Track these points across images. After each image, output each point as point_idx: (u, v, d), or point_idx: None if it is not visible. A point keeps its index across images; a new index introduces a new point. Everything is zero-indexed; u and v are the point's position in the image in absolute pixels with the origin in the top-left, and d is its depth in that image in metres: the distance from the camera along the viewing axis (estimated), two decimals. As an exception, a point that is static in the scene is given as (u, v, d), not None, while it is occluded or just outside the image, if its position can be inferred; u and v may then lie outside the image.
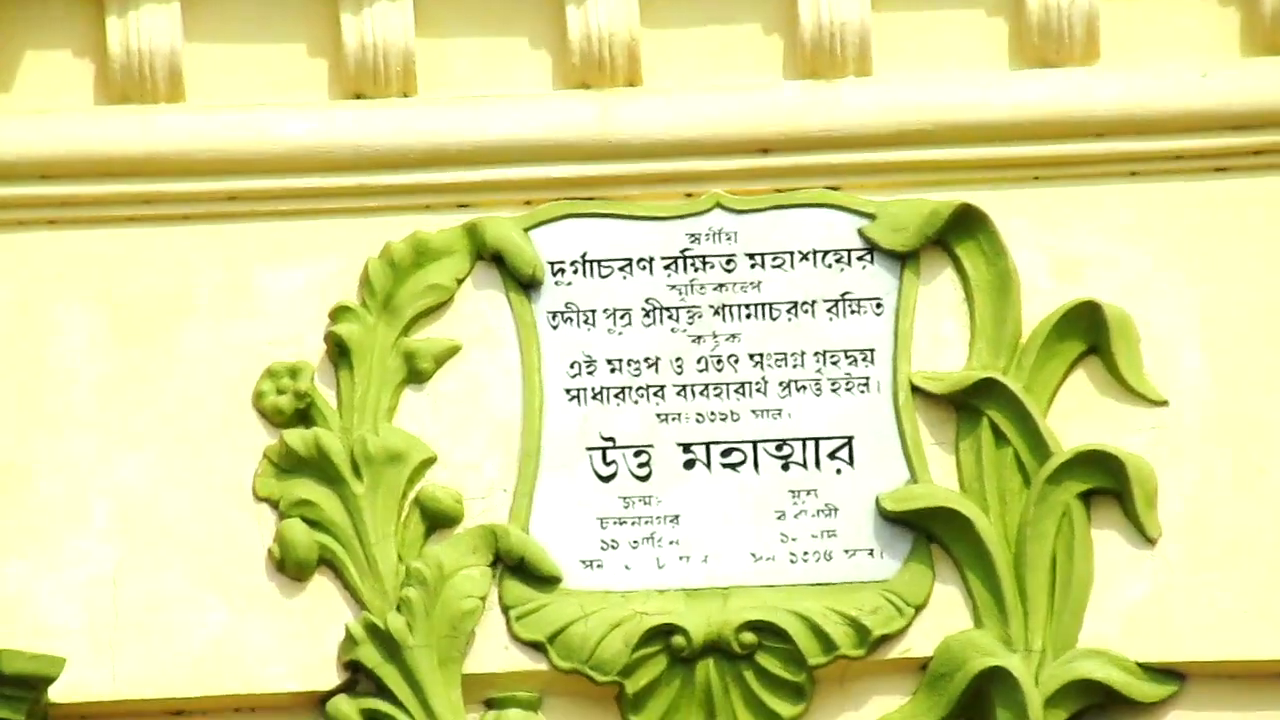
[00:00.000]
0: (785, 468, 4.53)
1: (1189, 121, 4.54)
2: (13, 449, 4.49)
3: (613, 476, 4.55)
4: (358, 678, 4.43)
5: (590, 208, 4.70)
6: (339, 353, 4.57)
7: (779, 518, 4.51)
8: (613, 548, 4.54)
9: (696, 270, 4.69)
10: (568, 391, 4.60)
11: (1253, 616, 4.44)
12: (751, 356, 4.62)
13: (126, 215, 4.60)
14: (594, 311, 4.64)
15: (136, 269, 4.64)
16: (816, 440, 4.51)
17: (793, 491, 4.54)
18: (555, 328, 4.63)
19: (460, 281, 4.65)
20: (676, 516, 4.54)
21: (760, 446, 4.56)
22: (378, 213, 4.68)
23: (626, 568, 4.54)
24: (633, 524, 4.56)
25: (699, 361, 4.62)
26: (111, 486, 4.57)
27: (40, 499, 4.58)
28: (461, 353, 4.67)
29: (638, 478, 4.60)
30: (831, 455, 4.54)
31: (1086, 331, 4.58)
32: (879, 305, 4.61)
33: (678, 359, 4.63)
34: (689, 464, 4.58)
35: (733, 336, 4.64)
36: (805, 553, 4.49)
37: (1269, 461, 4.43)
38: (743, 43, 4.74)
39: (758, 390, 4.65)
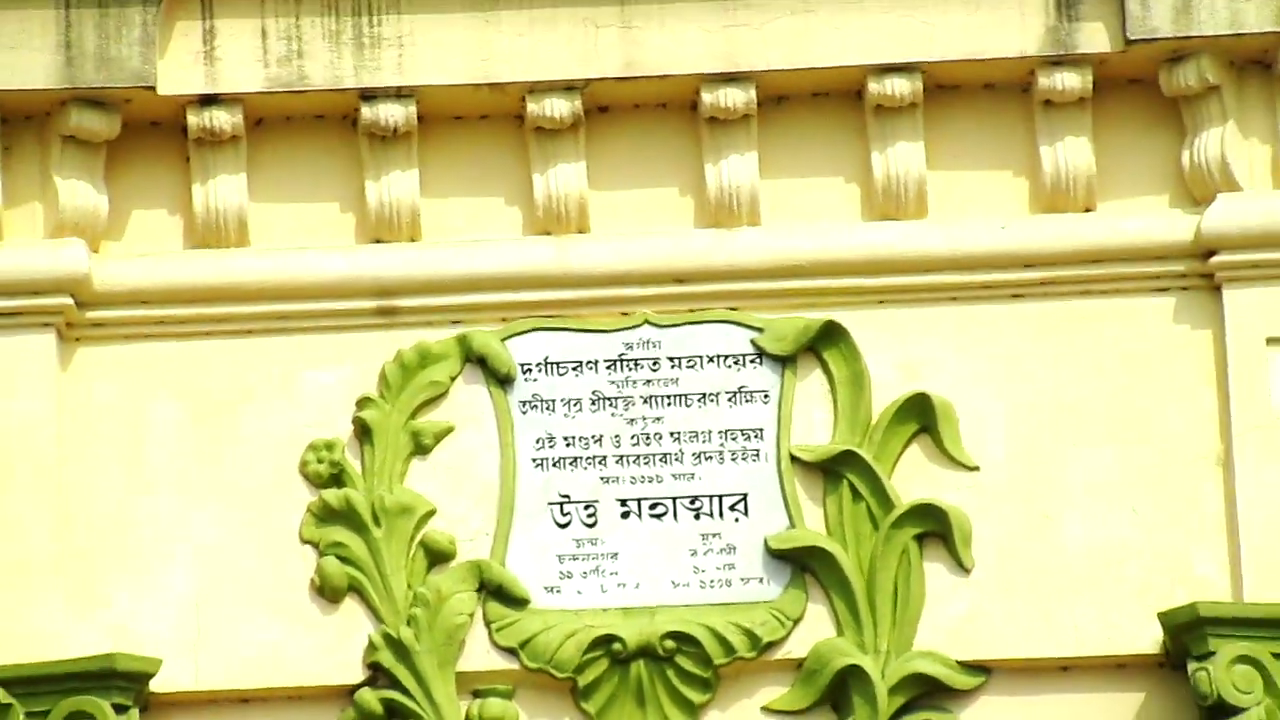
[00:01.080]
0: (697, 517, 5.66)
1: (993, 261, 5.70)
2: (118, 507, 5.57)
3: (568, 524, 5.66)
4: (377, 675, 5.53)
5: (551, 323, 5.82)
6: (362, 431, 5.68)
7: (692, 554, 5.65)
8: (568, 577, 5.64)
9: (630, 370, 5.84)
10: (534, 461, 5.72)
11: (1041, 626, 5.62)
12: (672, 434, 5.75)
13: (204, 331, 5.71)
14: (554, 401, 5.79)
15: (210, 371, 5.72)
16: (720, 496, 5.67)
17: (702, 535, 5.67)
18: (525, 413, 5.75)
19: (453, 379, 5.77)
20: (616, 554, 5.67)
21: (678, 502, 5.70)
22: (392, 328, 5.78)
23: (578, 592, 5.65)
24: (583, 560, 5.68)
25: (632, 438, 5.75)
26: (191, 533, 5.66)
27: (140, 543, 5.64)
28: (454, 432, 5.79)
29: (586, 525, 5.72)
30: (731, 508, 5.69)
31: (920, 415, 5.76)
32: (766, 396, 5.73)
33: (616, 436, 5.79)
34: (625, 515, 5.71)
35: (658, 419, 5.77)
36: (712, 580, 5.62)
37: (1054, 511, 5.66)
38: (664, 200, 5.88)
39: (676, 459, 5.78)
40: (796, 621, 5.68)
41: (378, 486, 5.76)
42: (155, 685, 5.48)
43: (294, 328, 5.81)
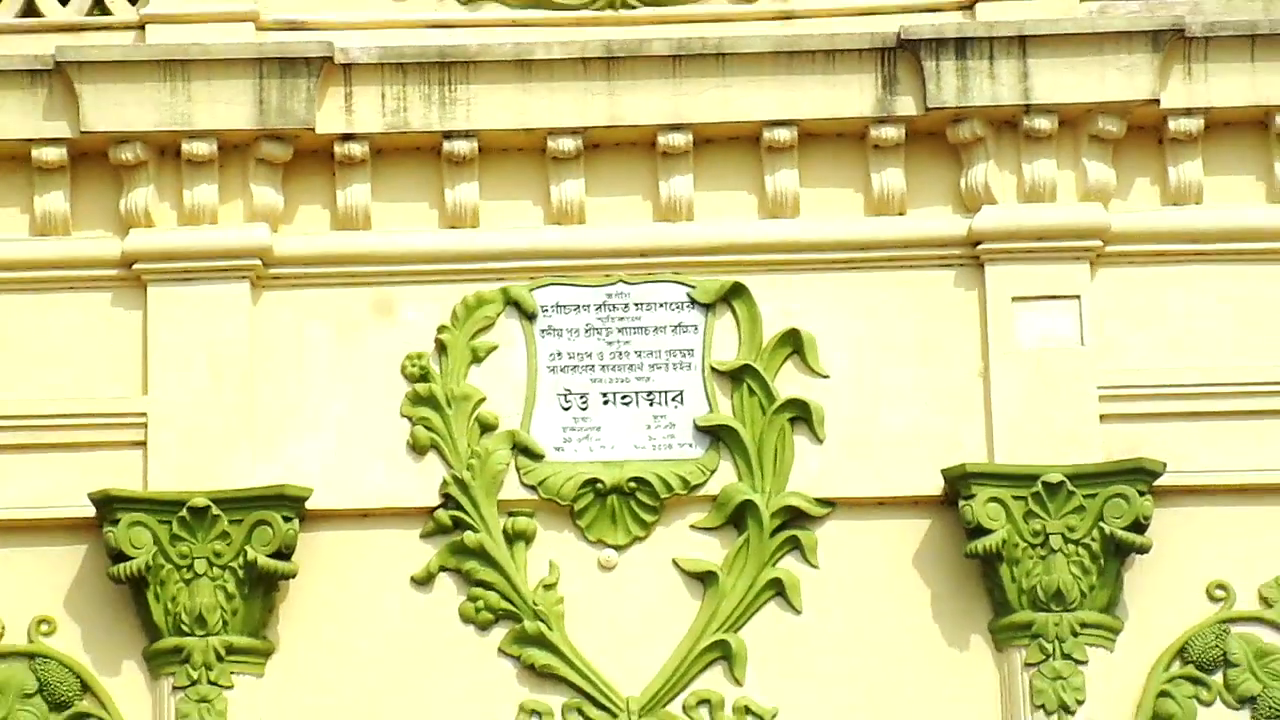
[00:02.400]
0: (651, 404, 8.44)
1: (842, 245, 8.59)
2: (288, 391, 8.39)
3: (569, 408, 8.44)
4: (448, 500, 8.26)
5: (560, 280, 8.60)
6: (440, 347, 8.42)
7: (647, 428, 8.42)
8: (569, 442, 8.45)
9: (610, 312, 8.59)
10: (549, 368, 8.49)
11: (867, 476, 8.35)
12: (636, 352, 8.52)
13: (343, 281, 8.52)
14: (562, 329, 8.55)
15: (346, 307, 8.51)
16: (666, 392, 8.47)
17: (654, 416, 8.44)
18: (543, 337, 8.52)
19: (498, 315, 8.54)
20: (599, 427, 8.46)
21: (639, 395, 8.45)
22: (459, 282, 8.48)
23: (575, 451, 8.47)
24: (578, 430, 8.47)
25: (611, 354, 8.52)
26: (334, 410, 8.40)
27: (301, 414, 8.37)
28: (498, 349, 8.52)
29: (580, 409, 8.51)
30: (673, 399, 8.45)
31: (792, 343, 8.56)
32: (696, 329, 8.49)
33: (600, 353, 8.56)
34: (605, 402, 8.50)
35: (626, 343, 8.55)
36: (659, 445, 8.40)
37: (875, 405, 8.42)
38: (633, 204, 8.71)
39: (638, 368, 8.52)
40: (713, 472, 8.52)
41: (449, 382, 8.57)
42: (309, 505, 8.24)
43: (398, 281, 8.62)
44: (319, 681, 8.52)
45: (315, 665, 8.58)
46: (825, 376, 8.73)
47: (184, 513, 8.36)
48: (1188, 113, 8.58)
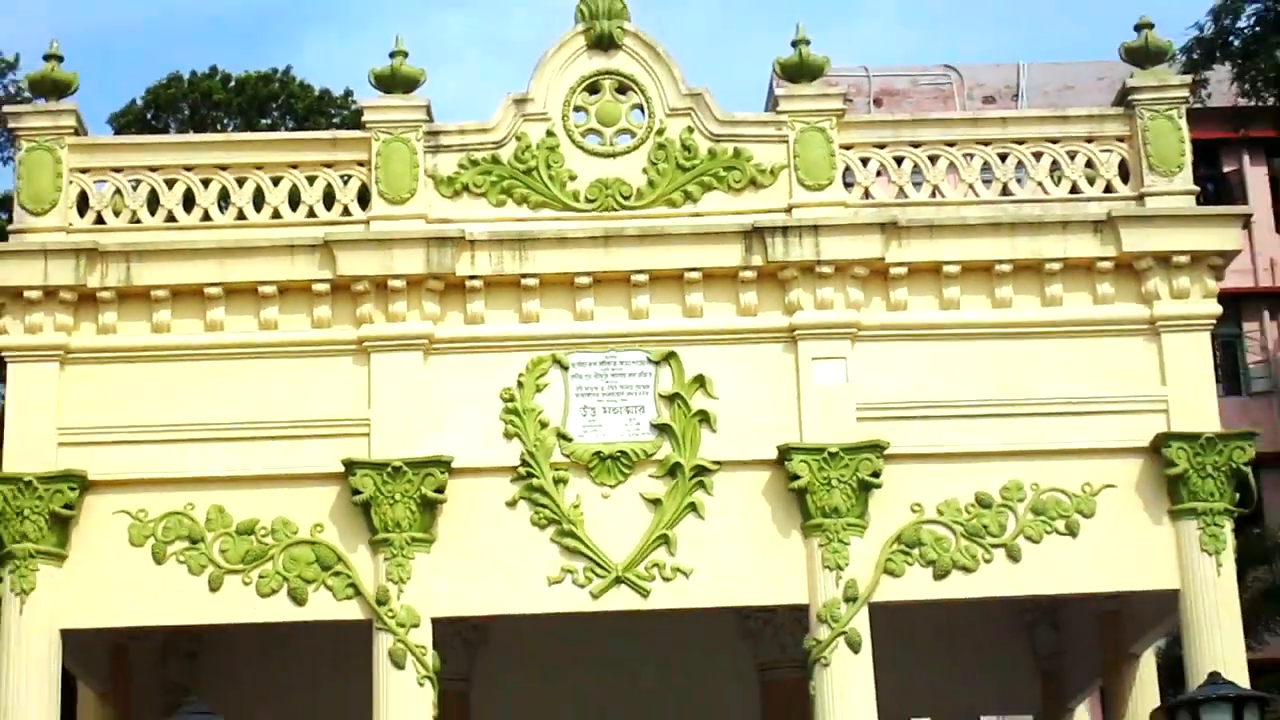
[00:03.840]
0: (628, 413, 14.69)
1: None
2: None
3: (585, 416, 14.68)
4: (523, 462, 14.58)
5: (581, 348, 14.93)
6: (519, 384, 14.83)
7: (626, 425, 14.71)
8: (586, 432, 14.68)
9: (607, 365, 14.79)
10: (575, 395, 14.74)
11: (742, 447, 15.09)
12: (622, 387, 14.88)
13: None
14: (582, 376, 14.78)
15: None
16: (637, 407, 14.71)
17: (630, 419, 14.71)
18: (573, 379, 14.78)
19: (549, 368, 14.75)
20: (601, 425, 14.68)
21: (623, 408, 14.75)
22: (531, 351, 15.37)
23: (589, 438, 14.67)
24: (591, 427, 14.65)
25: (608, 388, 14.77)
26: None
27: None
28: (549, 385, 14.77)
29: (592, 416, 14.74)
30: (639, 410, 14.63)
31: (700, 384, 15.26)
32: (651, 375, 14.96)
33: (602, 387, 14.72)
34: (605, 412, 14.63)
35: (616, 381, 14.84)
36: (633, 434, 14.61)
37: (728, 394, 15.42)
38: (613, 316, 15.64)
39: (622, 395, 15.21)
40: (660, 448, 14.54)
41: (524, 402, 14.67)
42: (454, 465, 14.10)
43: (500, 350, 15.32)
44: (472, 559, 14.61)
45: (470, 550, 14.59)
46: (716, 399, 14.78)
47: (390, 469, 14.29)
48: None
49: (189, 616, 14.80)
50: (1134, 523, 14.94)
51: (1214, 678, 9.88)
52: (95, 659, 15.86)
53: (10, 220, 15.84)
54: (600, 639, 16.42)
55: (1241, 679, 12.26)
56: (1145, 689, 16.94)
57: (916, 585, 14.76)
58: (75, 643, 14.74)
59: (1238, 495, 14.92)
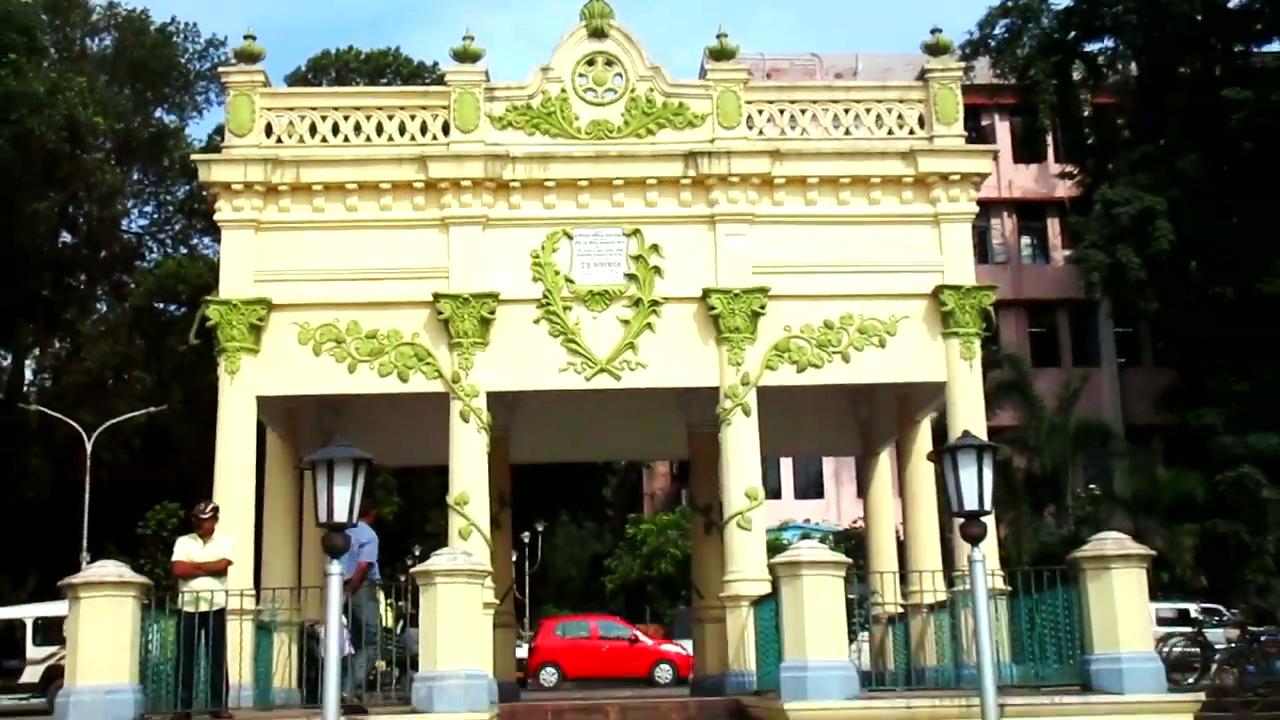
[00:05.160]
0: None
1: None
2: None
3: None
4: None
5: None
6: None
7: None
8: None
9: None
10: None
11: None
12: None
13: None
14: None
15: None
16: None
17: None
18: None
19: None
20: None
21: None
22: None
23: None
24: None
25: None
26: None
27: None
28: None
29: None
30: None
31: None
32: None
33: None
34: None
35: None
36: None
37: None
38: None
39: None
40: None
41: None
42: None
43: None
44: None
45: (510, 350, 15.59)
46: (664, 258, 15.65)
47: (461, 299, 15.38)
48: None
49: (335, 388, 15.89)
50: (920, 340, 15.93)
51: (966, 434, 10.45)
52: (277, 415, 16.73)
53: (223, 140, 16.70)
54: (589, 406, 17.39)
55: (982, 436, 12.75)
56: (923, 441, 17.80)
57: (785, 376, 15.80)
58: (265, 404, 15.80)
59: (984, 324, 16.01)
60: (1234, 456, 33.93)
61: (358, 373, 15.62)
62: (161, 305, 43.45)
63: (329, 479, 8.24)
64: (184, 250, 46.16)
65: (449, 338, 15.53)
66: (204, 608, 11.82)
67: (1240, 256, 34.76)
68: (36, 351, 46.18)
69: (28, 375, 45.73)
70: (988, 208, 38.73)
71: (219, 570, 12.07)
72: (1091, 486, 37.49)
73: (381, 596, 13.96)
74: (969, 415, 15.27)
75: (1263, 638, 19.66)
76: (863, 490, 20.87)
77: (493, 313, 15.52)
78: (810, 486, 46.44)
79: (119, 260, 47.09)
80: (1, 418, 39.95)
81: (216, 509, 12.69)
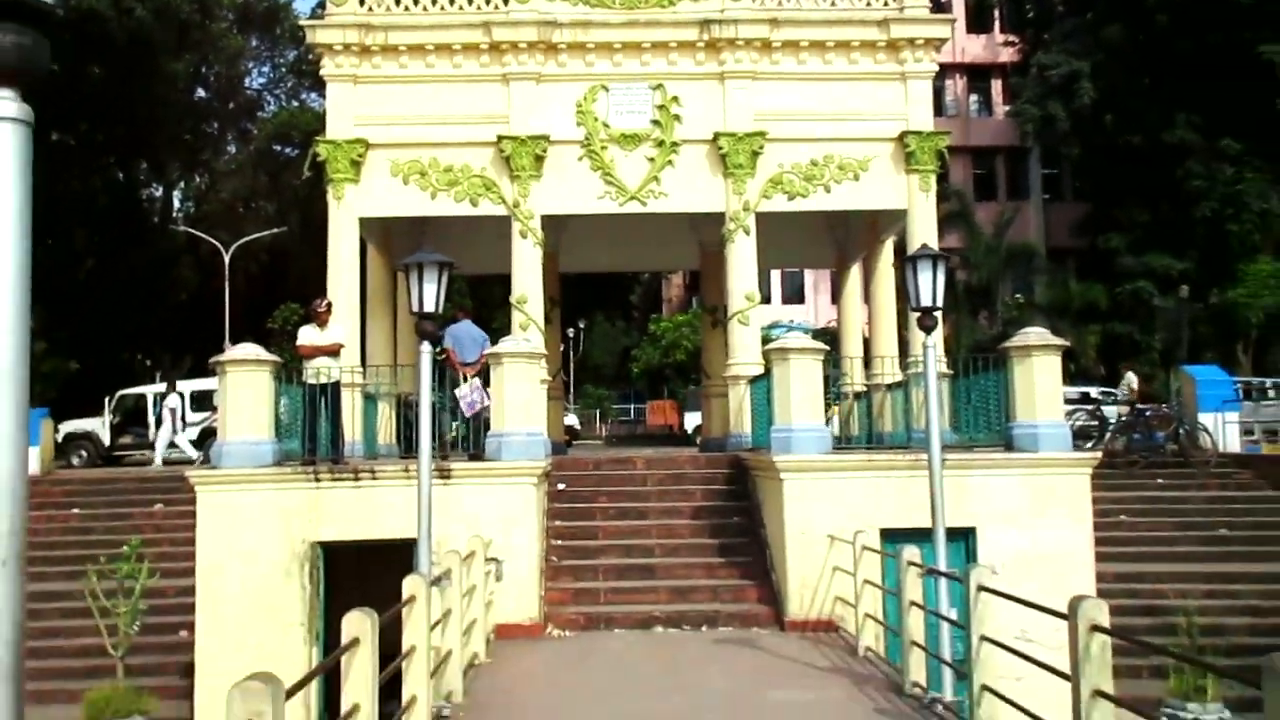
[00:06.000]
0: None
1: None
2: None
3: None
4: None
5: None
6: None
7: None
8: None
9: None
10: None
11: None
12: None
13: None
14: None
15: None
16: None
17: None
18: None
19: None
20: None
21: None
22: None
23: None
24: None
25: None
26: None
27: None
28: None
29: None
30: None
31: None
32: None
33: None
34: None
35: None
36: None
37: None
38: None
39: None
40: None
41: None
42: None
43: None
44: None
45: (558, 181, 15.62)
46: (683, 107, 15.35)
47: (520, 140, 15.37)
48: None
49: (420, 211, 15.76)
50: (887, 175, 15.64)
51: (924, 246, 10.11)
52: (375, 233, 16.62)
53: (324, 11, 16.22)
54: (621, 227, 17.16)
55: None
56: (886, 257, 17.68)
57: (778, 203, 15.63)
58: (365, 225, 15.73)
59: (938, 163, 15.80)
60: (1132, 273, 34.16)
61: (438, 199, 15.57)
62: (279, 148, 43.95)
63: (420, 278, 8.23)
64: (295, 103, 46.33)
65: (510, 171, 15.41)
66: (323, 380, 12.02)
67: (1148, 111, 34.30)
68: (181, 185, 47.01)
69: (175, 204, 46.62)
70: (943, 70, 37.59)
71: (334, 351, 12.23)
72: (1017, 296, 37.92)
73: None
74: (925, 235, 15.17)
75: (1146, 414, 19.95)
76: (836, 297, 20.88)
77: (544, 151, 15.36)
78: (794, 294, 46.77)
79: (243, 111, 47.41)
80: (157, 237, 40.83)
81: (330, 304, 12.81)
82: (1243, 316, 32.63)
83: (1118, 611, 4.88)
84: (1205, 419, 19.84)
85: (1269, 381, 26.22)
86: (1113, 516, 15.51)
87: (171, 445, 21.06)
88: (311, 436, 11.85)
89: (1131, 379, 21.49)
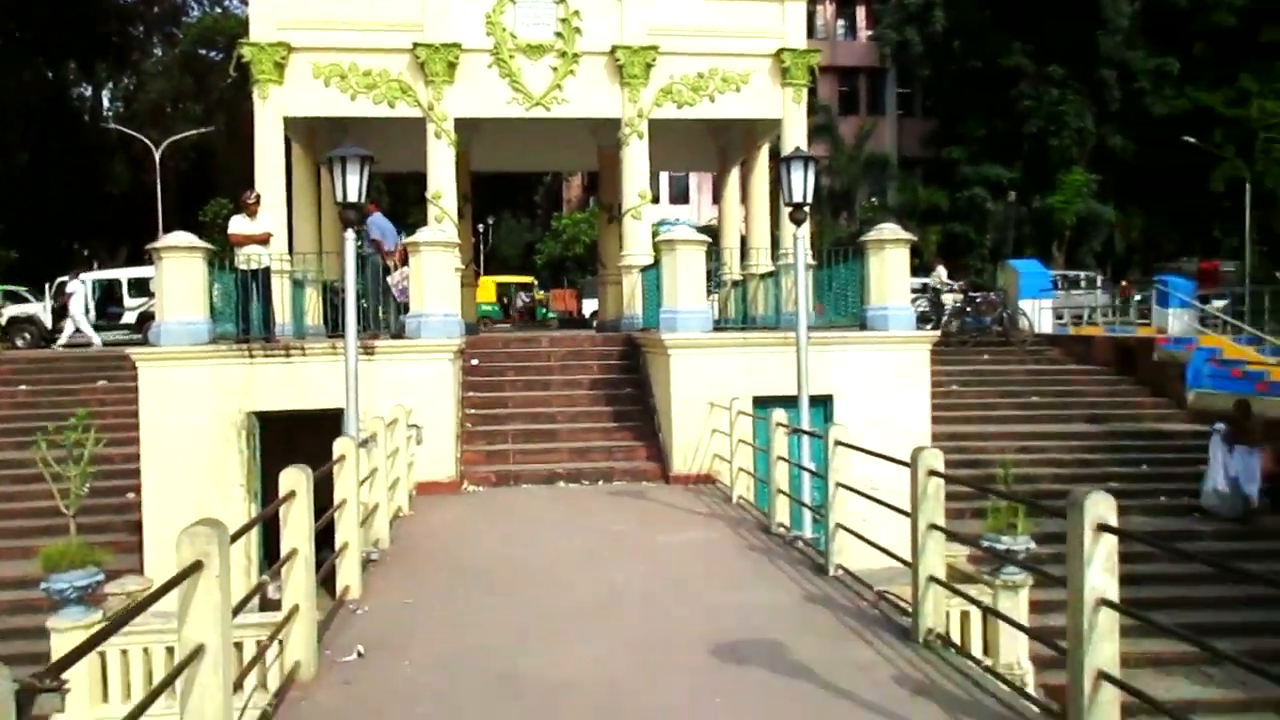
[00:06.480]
0: None
1: None
2: None
3: None
4: None
5: None
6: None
7: None
8: None
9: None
10: None
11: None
12: None
13: None
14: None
15: None
16: None
17: None
18: None
19: None
20: None
21: None
22: None
23: None
24: None
25: None
26: None
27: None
28: None
29: None
30: None
31: None
32: None
33: None
34: None
35: None
36: None
37: None
38: None
39: None
40: None
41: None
42: None
43: None
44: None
45: (470, 88, 15.03)
46: (584, 21, 14.79)
47: (434, 47, 14.64)
48: None
49: (340, 111, 14.78)
50: (765, 88, 15.34)
51: (797, 149, 10.03)
52: (299, 132, 15.87)
53: None
54: (527, 131, 16.38)
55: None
56: (762, 162, 17.64)
57: (669, 111, 15.23)
58: (289, 124, 14.81)
59: (810, 78, 15.57)
60: (969, 180, 35.03)
61: (357, 100, 14.81)
62: (204, 51, 41.38)
63: (343, 170, 7.90)
64: (218, 9, 43.55)
65: (425, 77, 14.75)
66: (254, 266, 11.58)
67: (990, 39, 34.70)
68: (110, 85, 44.10)
69: (105, 103, 43.78)
70: (818, -7, 37.58)
71: (263, 240, 11.77)
72: (873, 199, 38.55)
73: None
74: (797, 141, 15.08)
75: (977, 300, 20.61)
76: (717, 197, 20.77)
77: (456, 59, 14.72)
78: (680, 194, 46.49)
79: (168, 15, 44.31)
80: (88, 133, 38.54)
81: (259, 196, 12.27)
82: (1059, 219, 33.89)
83: (949, 464, 5.08)
84: (1025, 305, 20.71)
85: (1081, 275, 27.32)
86: (946, 386, 16.11)
87: (77, 331, 19.99)
88: (244, 317, 11.45)
89: (941, 271, 22.19)
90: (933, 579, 5.10)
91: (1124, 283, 24.30)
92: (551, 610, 5.86)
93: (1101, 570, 3.51)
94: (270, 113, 14.53)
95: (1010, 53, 33.70)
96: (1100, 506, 3.50)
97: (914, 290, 18.85)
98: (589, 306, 30.91)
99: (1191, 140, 31.08)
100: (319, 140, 16.49)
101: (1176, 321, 18.05)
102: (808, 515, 8.12)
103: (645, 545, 7.81)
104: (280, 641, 4.70)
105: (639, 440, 11.77)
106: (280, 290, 12.62)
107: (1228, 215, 32.54)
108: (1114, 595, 3.53)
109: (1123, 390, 17.26)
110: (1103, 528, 3.50)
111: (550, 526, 8.61)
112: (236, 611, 3.46)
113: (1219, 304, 19.75)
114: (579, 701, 4.37)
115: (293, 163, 16.30)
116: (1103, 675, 3.53)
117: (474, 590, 6.38)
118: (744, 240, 18.37)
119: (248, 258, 11.54)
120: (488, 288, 33.18)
